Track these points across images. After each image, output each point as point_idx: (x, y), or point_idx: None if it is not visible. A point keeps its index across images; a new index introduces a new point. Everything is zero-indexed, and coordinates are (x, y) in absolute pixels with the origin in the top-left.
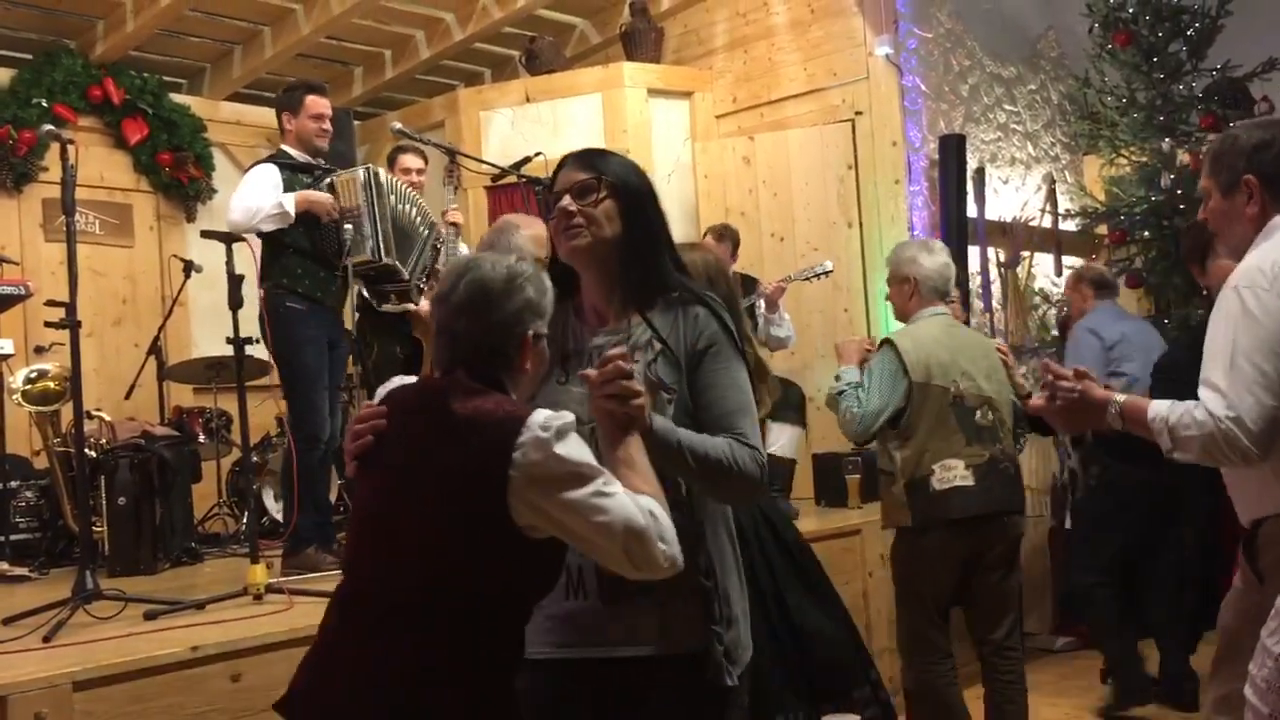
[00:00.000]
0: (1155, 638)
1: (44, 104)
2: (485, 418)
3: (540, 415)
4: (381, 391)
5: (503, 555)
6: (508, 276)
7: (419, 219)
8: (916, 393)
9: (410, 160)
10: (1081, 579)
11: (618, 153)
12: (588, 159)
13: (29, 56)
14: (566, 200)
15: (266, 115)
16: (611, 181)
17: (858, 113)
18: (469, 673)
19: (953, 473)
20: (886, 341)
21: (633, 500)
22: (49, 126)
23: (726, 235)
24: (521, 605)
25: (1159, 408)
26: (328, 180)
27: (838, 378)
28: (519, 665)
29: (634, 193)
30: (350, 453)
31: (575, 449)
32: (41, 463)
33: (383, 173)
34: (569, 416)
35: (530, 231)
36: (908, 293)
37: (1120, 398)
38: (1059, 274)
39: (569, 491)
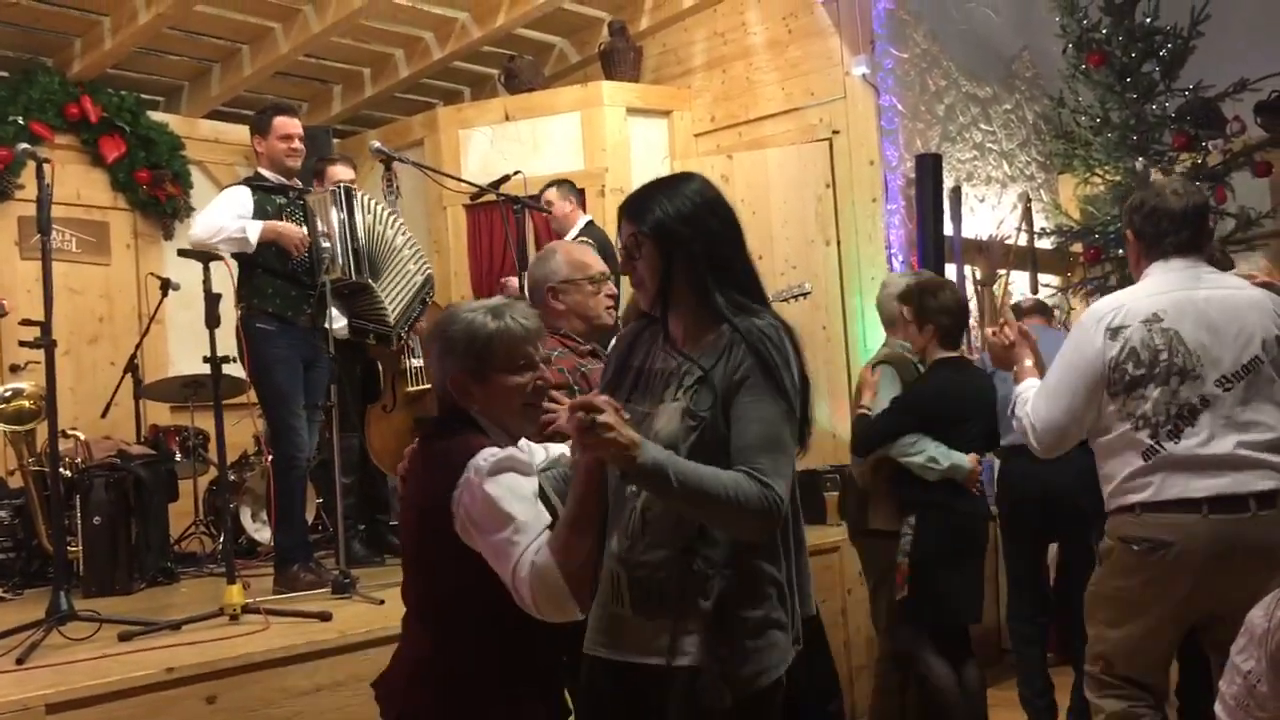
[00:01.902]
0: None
1: (20, 121)
2: (441, 458)
3: (480, 456)
4: None
5: (464, 570)
6: (436, 327)
7: (405, 248)
8: None
9: (341, 171)
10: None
11: (669, 183)
12: (630, 210)
13: (5, 74)
14: (624, 262)
15: (245, 133)
16: (646, 232)
17: (835, 132)
18: (453, 674)
19: None
20: None
21: (529, 551)
22: (25, 145)
23: None
24: (496, 617)
25: (1027, 385)
26: (301, 200)
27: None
28: (530, 675)
29: (668, 235)
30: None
31: (502, 489)
32: (16, 482)
33: (357, 191)
34: (502, 454)
35: (564, 255)
36: None
37: (1029, 363)
38: (1035, 291)
39: (484, 534)
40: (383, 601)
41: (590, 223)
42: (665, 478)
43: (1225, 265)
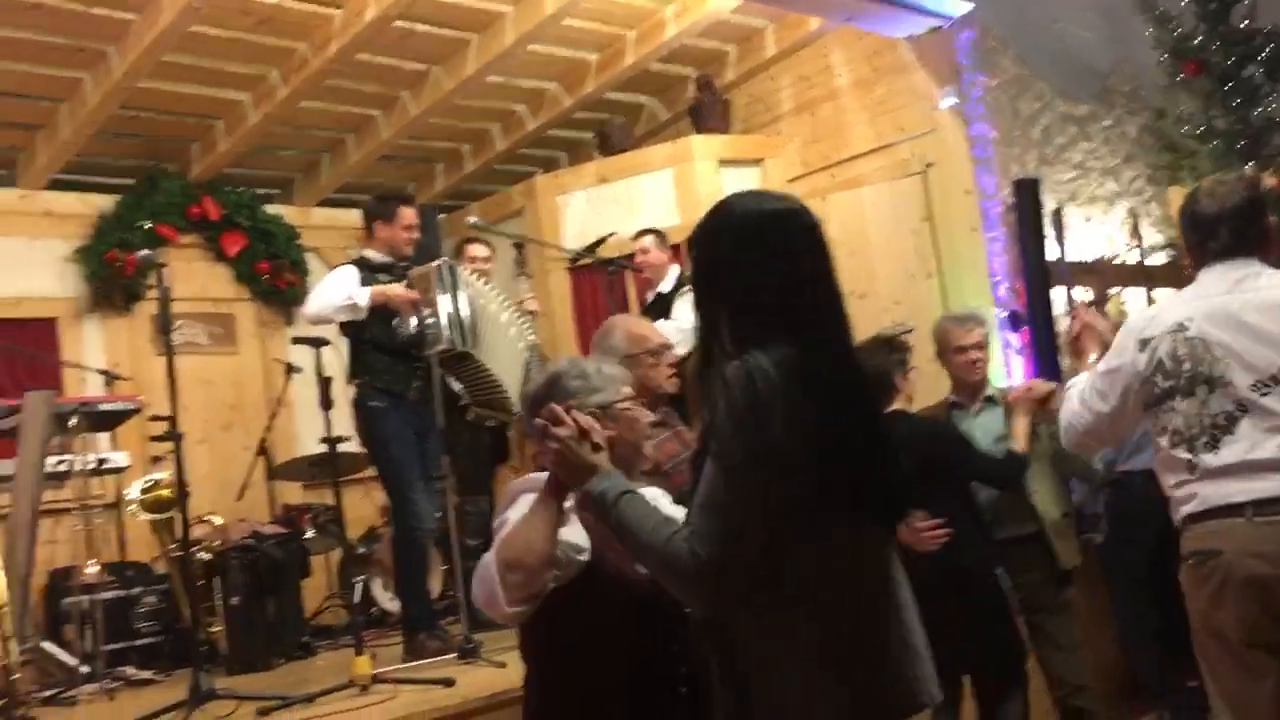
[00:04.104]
0: None
1: (148, 226)
2: None
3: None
4: None
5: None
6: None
7: (511, 327)
8: None
9: (476, 249)
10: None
11: (713, 212)
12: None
13: (132, 181)
14: None
15: (356, 217)
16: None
17: (928, 165)
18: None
19: None
20: None
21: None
22: (145, 251)
23: None
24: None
25: (1077, 379)
26: (404, 276)
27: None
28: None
29: (697, 271)
30: None
31: (513, 511)
32: (162, 568)
33: (459, 266)
34: (520, 481)
35: (622, 331)
36: None
37: (1091, 358)
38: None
39: None
40: (504, 664)
41: (682, 272)
42: (604, 511)
43: None
